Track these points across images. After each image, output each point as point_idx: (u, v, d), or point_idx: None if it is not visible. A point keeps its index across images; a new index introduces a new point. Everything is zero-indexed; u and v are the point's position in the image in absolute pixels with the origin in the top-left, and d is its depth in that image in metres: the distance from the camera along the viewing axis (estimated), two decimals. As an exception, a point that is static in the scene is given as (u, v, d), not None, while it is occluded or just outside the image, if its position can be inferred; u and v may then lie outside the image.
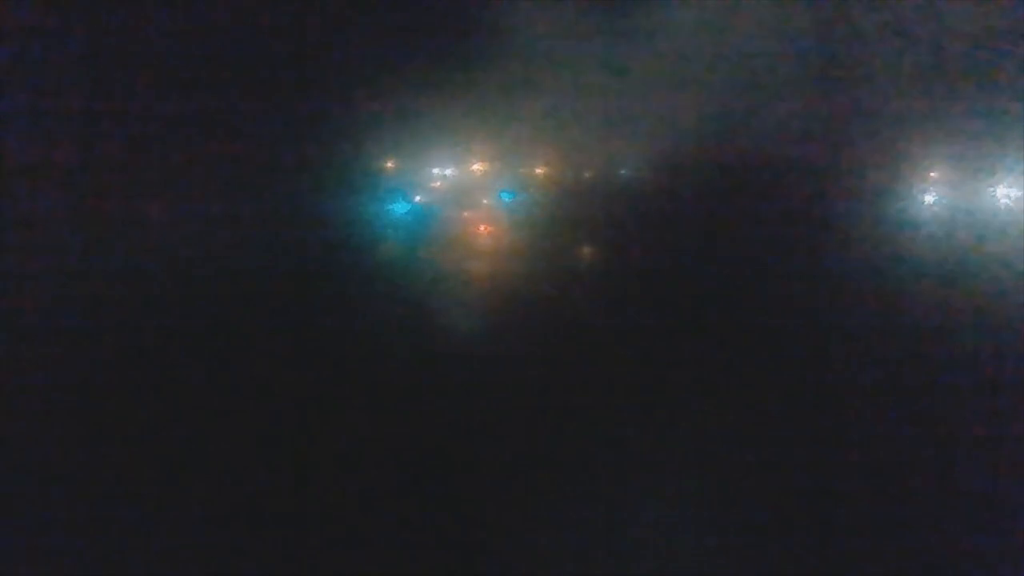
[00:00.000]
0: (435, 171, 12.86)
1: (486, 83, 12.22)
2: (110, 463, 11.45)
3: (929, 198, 12.64)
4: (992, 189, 12.41)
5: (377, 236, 12.69)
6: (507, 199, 12.81)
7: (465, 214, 12.79)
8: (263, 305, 12.11)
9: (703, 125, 12.32)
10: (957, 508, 11.47)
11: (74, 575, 11.08)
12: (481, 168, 12.84)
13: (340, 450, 11.70)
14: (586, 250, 12.91)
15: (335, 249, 12.38)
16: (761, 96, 12.30)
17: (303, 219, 12.35)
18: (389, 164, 12.76)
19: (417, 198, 12.81)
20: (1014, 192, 12.33)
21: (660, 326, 12.21)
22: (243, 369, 11.94)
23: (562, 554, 11.24)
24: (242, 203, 12.24)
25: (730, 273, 12.38)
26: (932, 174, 12.63)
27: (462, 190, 12.79)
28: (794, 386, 12.04)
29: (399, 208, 12.70)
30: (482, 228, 12.80)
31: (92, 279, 11.97)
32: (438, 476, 11.62)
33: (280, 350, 12.05)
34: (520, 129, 12.44)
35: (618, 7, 12.41)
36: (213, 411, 11.76)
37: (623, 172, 12.86)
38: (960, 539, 11.31)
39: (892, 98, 12.36)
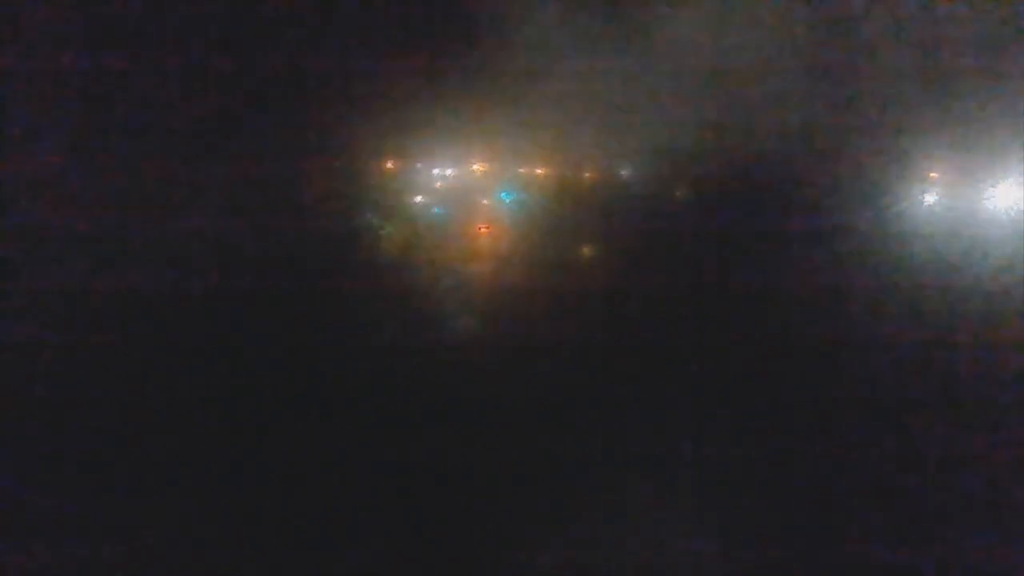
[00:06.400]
0: (435, 171, 12.89)
1: (486, 83, 12.24)
2: (115, 464, 11.50)
3: (929, 198, 12.63)
4: (992, 189, 12.41)
5: (377, 235, 12.72)
6: (507, 199, 12.83)
7: (465, 214, 12.81)
8: (263, 305, 12.14)
9: (703, 125, 12.32)
10: (957, 508, 11.47)
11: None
12: (481, 168, 12.86)
13: (339, 449, 11.71)
14: (585, 249, 12.92)
15: (335, 249, 12.40)
16: (761, 97, 12.30)
17: (304, 219, 12.37)
18: (389, 164, 12.79)
19: (417, 198, 12.84)
20: (1014, 192, 12.33)
21: (660, 325, 12.22)
22: (244, 369, 11.97)
23: (561, 554, 11.24)
24: (243, 203, 12.26)
25: (729, 271, 12.39)
26: (932, 174, 12.63)
27: (462, 190, 12.80)
28: (792, 383, 12.04)
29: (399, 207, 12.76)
30: (482, 228, 12.82)
31: (97, 280, 12.04)
32: (437, 474, 11.63)
33: (280, 349, 12.07)
34: (520, 129, 12.46)
35: (619, 8, 12.42)
36: (217, 412, 11.79)
37: (623, 172, 12.88)
38: (962, 543, 11.31)
39: (892, 98, 12.35)
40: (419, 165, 12.84)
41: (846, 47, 12.40)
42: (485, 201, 12.85)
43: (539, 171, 12.88)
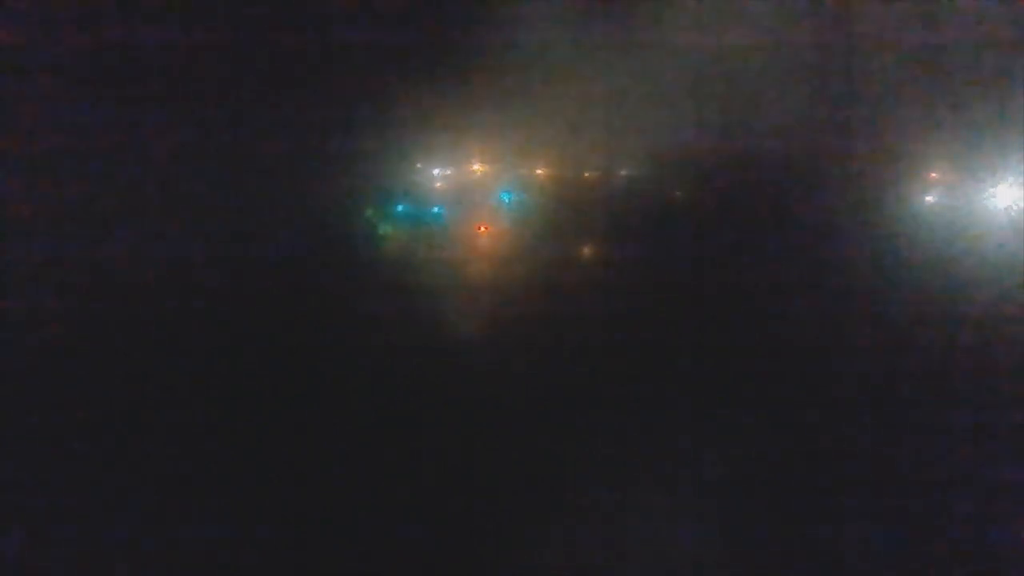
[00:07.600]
0: (435, 171, 12.88)
1: (486, 83, 12.22)
2: (117, 465, 11.52)
3: (929, 198, 12.64)
4: (992, 189, 12.41)
5: (377, 236, 12.72)
6: (507, 199, 12.83)
7: (465, 214, 12.80)
8: (262, 306, 12.14)
9: (703, 125, 12.31)
10: (957, 508, 11.51)
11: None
12: (481, 168, 12.85)
13: (339, 450, 11.73)
14: (586, 250, 12.92)
15: (335, 250, 12.40)
16: (761, 97, 12.29)
17: (303, 219, 12.37)
18: (389, 164, 12.78)
19: (417, 198, 12.83)
20: (1014, 192, 12.33)
21: (660, 326, 12.23)
22: (242, 369, 11.98)
23: (560, 556, 11.28)
24: (243, 203, 12.26)
25: (730, 272, 12.40)
26: (932, 174, 12.63)
27: (462, 190, 12.80)
28: (792, 384, 12.07)
29: (399, 208, 12.74)
30: (482, 228, 12.82)
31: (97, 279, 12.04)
32: (434, 475, 11.66)
33: (278, 350, 12.08)
34: (520, 129, 12.45)
35: (618, 8, 12.41)
36: (217, 412, 11.80)
37: (623, 172, 12.87)
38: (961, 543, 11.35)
39: (892, 99, 12.35)
40: (419, 165, 12.83)
41: (845, 46, 12.39)
42: (485, 201, 12.84)
43: (539, 171, 12.87)
